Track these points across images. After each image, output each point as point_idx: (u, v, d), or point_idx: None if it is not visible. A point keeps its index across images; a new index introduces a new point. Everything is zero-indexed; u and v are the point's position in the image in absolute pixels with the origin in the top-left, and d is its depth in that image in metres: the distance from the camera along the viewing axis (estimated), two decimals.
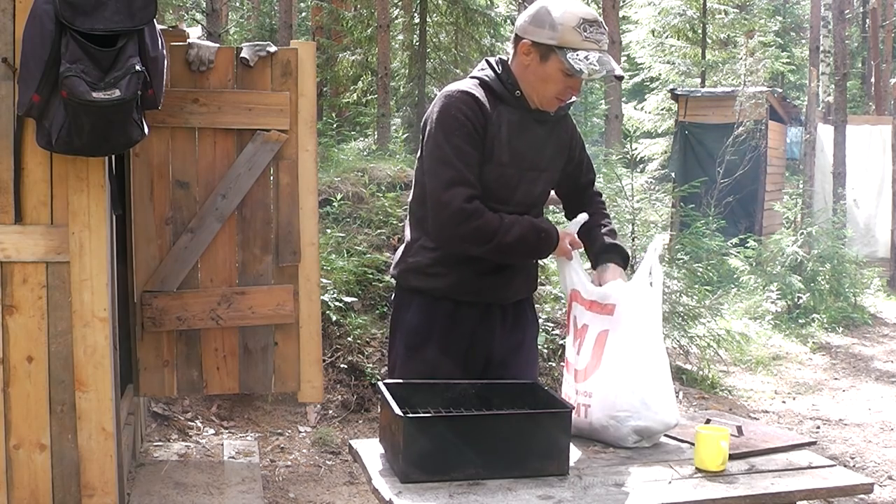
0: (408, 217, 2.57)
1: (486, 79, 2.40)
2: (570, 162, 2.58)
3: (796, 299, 8.44)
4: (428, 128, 2.37)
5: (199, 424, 4.56)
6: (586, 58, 2.27)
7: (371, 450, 2.20)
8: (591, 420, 2.31)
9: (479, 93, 2.36)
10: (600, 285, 2.43)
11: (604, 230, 2.57)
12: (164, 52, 2.89)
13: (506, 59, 2.44)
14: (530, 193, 2.46)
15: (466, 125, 2.31)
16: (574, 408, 2.33)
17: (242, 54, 3.60)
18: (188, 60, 3.53)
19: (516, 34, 2.38)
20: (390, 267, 2.63)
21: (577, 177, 2.64)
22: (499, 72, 2.41)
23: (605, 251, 2.51)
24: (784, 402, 6.07)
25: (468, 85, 2.39)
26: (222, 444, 4.27)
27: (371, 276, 5.71)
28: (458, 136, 2.30)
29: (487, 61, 2.46)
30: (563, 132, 2.53)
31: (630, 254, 6.46)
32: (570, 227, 2.49)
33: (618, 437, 2.28)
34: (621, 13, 14.94)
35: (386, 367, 2.67)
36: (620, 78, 2.39)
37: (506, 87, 2.39)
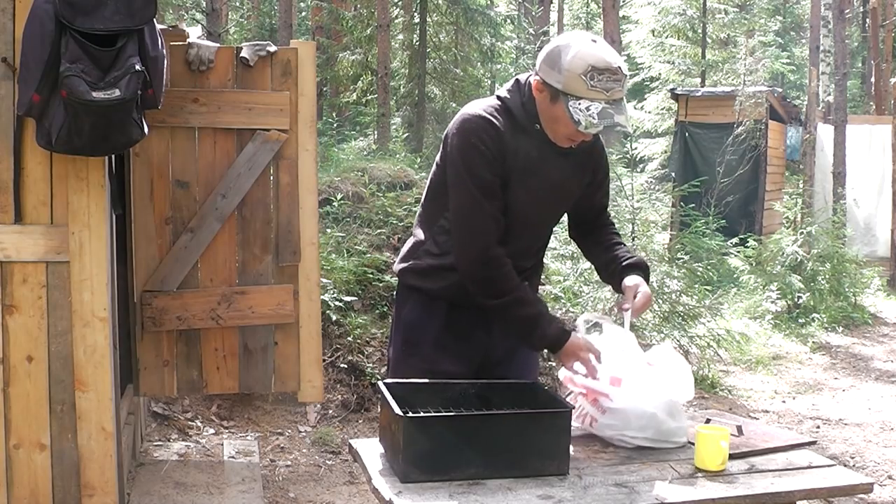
0: (418, 215, 2.55)
1: (510, 105, 2.34)
2: (590, 184, 2.53)
3: (796, 299, 8.43)
4: (448, 147, 2.34)
5: (199, 424, 4.56)
6: (587, 108, 2.18)
7: (371, 449, 2.20)
8: (597, 432, 2.32)
9: (500, 120, 2.30)
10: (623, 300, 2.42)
11: (623, 248, 2.56)
12: (164, 51, 2.89)
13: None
14: (544, 219, 2.49)
15: (486, 154, 2.27)
16: (574, 407, 2.34)
17: (242, 54, 3.60)
18: (188, 60, 3.53)
19: (535, 68, 2.32)
20: (392, 265, 2.63)
21: (592, 198, 2.57)
22: (524, 99, 2.33)
23: (630, 266, 2.48)
24: (784, 401, 6.07)
25: (490, 109, 2.33)
26: (222, 444, 4.27)
27: (371, 275, 5.71)
28: (478, 164, 2.27)
29: (518, 81, 2.37)
30: (588, 158, 2.46)
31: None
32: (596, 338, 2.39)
33: (620, 446, 2.29)
34: (621, 13, 14.93)
35: (387, 367, 2.67)
36: (626, 135, 2.32)
37: (527, 117, 2.32)
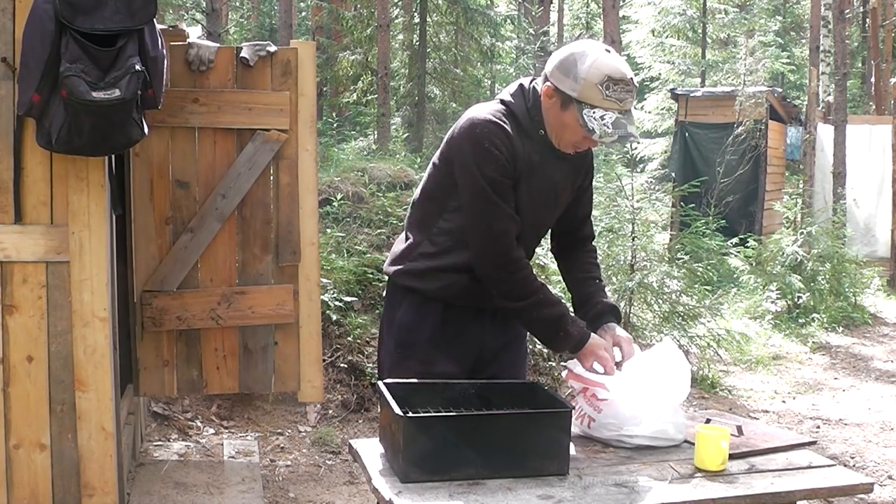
0: (410, 217, 2.56)
1: (515, 110, 2.35)
2: (579, 187, 2.56)
3: (796, 299, 8.43)
4: (457, 152, 2.34)
5: (199, 424, 4.56)
6: (602, 118, 2.21)
7: (371, 449, 2.20)
8: (594, 433, 2.33)
9: (509, 125, 2.32)
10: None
11: (598, 285, 2.58)
12: (164, 51, 2.89)
13: (539, 88, 2.36)
14: (543, 221, 2.52)
15: (500, 158, 2.28)
16: (574, 407, 2.34)
17: (242, 54, 3.60)
18: (188, 60, 3.53)
19: (545, 73, 2.32)
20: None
21: (579, 202, 2.59)
22: (529, 105, 2.35)
23: (605, 313, 2.50)
24: (784, 401, 6.07)
25: (498, 114, 2.34)
26: (222, 444, 4.27)
27: (371, 275, 5.72)
28: (492, 167, 2.28)
29: (521, 86, 2.39)
30: (582, 161, 2.50)
31: (631, 254, 6.48)
32: (610, 338, 2.41)
33: (619, 447, 2.29)
34: (621, 13, 14.94)
35: (378, 370, 2.66)
36: (635, 143, 2.35)
37: (532, 123, 2.34)
